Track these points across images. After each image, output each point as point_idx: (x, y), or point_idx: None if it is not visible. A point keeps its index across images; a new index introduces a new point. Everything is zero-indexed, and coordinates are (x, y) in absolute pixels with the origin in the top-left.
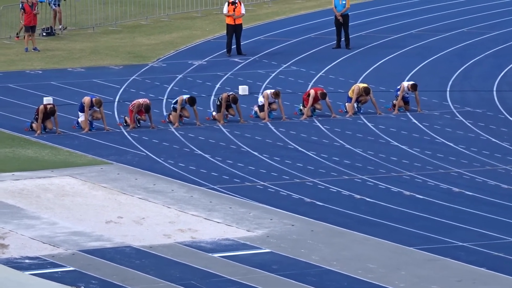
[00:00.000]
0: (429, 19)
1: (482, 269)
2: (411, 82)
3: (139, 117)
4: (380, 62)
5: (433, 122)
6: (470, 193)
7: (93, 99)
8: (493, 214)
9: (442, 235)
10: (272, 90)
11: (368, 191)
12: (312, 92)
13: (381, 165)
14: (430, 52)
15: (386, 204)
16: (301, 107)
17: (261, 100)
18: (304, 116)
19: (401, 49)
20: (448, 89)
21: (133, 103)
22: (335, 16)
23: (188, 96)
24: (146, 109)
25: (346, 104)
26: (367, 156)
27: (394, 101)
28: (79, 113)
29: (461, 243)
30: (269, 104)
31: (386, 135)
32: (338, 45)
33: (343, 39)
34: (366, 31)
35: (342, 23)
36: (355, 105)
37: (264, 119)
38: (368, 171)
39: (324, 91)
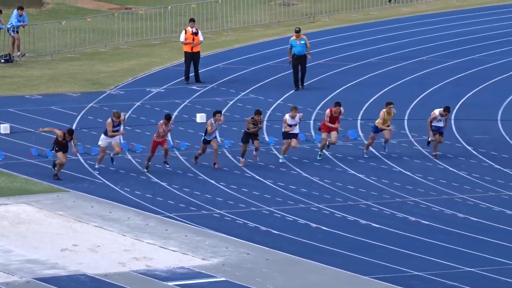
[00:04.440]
0: (388, 48)
1: None
2: (443, 108)
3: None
4: (338, 90)
5: (391, 151)
6: (426, 222)
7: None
8: (448, 243)
9: (397, 264)
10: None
11: (325, 219)
12: (327, 112)
13: (338, 194)
14: (388, 80)
15: (342, 233)
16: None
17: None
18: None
19: (360, 77)
20: (406, 118)
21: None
22: (292, 57)
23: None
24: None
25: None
26: (324, 184)
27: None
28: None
29: (416, 272)
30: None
31: (343, 163)
32: (297, 86)
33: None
34: (325, 59)
35: (300, 63)
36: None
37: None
38: (325, 199)
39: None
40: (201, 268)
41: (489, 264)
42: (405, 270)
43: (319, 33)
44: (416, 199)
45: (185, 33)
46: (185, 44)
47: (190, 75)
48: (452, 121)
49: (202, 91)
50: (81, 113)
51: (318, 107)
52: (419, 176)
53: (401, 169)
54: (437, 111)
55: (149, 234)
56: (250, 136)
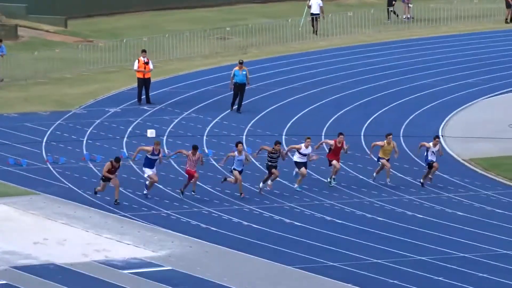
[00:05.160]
0: (309, 75)
1: (348, 285)
2: (433, 141)
3: None
4: (266, 111)
5: (309, 162)
6: (340, 221)
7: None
8: (359, 239)
9: (316, 256)
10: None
11: (254, 218)
12: (332, 142)
13: (265, 197)
14: (309, 102)
15: (269, 230)
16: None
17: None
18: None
19: (285, 99)
20: (323, 133)
21: None
22: (234, 85)
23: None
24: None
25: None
26: (253, 189)
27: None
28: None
29: (331, 263)
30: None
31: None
32: (232, 108)
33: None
34: (257, 84)
35: (240, 91)
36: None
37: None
38: (255, 202)
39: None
40: (151, 259)
41: (393, 256)
42: (322, 261)
43: (250, 63)
44: (331, 202)
45: (138, 62)
46: (138, 71)
47: (142, 97)
48: (362, 137)
49: (152, 110)
50: (50, 129)
51: (249, 125)
52: (334, 183)
53: (318, 177)
54: (426, 144)
55: (107, 230)
56: (271, 167)
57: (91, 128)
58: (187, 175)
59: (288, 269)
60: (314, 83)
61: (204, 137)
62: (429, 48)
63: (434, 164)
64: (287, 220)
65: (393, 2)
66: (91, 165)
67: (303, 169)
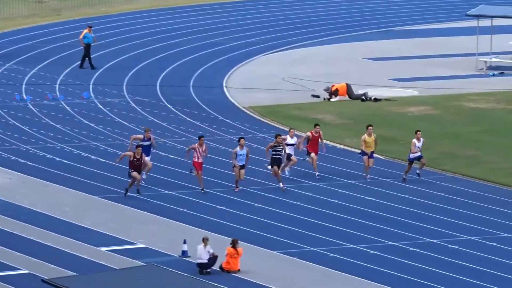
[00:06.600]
0: (114, 34)
1: (145, 212)
2: (416, 135)
3: None
4: (73, 66)
5: (114, 107)
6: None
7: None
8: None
9: (119, 188)
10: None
11: (64, 155)
12: (308, 134)
13: (75, 137)
14: (112, 57)
15: (78, 165)
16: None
17: None
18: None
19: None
20: (124, 84)
21: None
22: (86, 45)
23: None
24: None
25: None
26: (66, 130)
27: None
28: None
29: (132, 194)
30: None
31: (80, 116)
32: (82, 66)
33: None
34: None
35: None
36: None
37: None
38: (66, 141)
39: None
40: None
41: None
42: (118, 190)
43: (60, 23)
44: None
45: None
46: None
47: None
48: (158, 87)
49: None
50: None
51: (61, 76)
52: (134, 126)
53: (120, 120)
54: (413, 140)
55: None
56: (276, 161)
57: None
58: (194, 167)
59: (95, 199)
60: (118, 41)
61: (23, 86)
62: (219, 12)
63: (422, 160)
64: (93, 157)
65: None
66: None
67: (293, 157)
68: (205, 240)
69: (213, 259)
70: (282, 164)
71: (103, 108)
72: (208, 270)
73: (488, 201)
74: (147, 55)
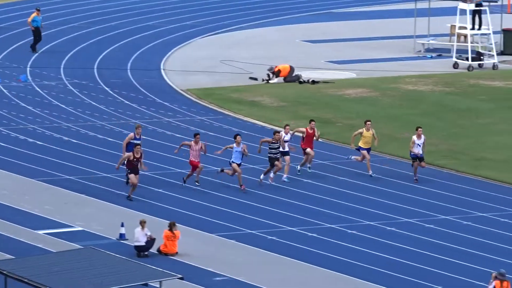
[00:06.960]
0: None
1: (83, 195)
2: (417, 131)
3: None
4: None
5: (51, 90)
6: (75, 141)
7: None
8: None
9: (56, 171)
10: None
11: (1, 138)
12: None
13: (13, 120)
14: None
15: (16, 148)
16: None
17: None
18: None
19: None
20: (62, 66)
21: None
22: (36, 28)
23: None
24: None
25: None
26: (3, 113)
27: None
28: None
29: (67, 176)
30: None
31: (18, 99)
32: (35, 49)
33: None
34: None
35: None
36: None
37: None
38: (3, 124)
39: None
40: None
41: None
42: (60, 175)
43: None
44: (68, 125)
45: None
46: None
47: None
48: (95, 70)
49: None
50: None
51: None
52: (71, 108)
53: (58, 103)
54: (413, 137)
55: None
56: (273, 159)
57: None
58: (190, 166)
59: (31, 181)
60: (54, 24)
61: None
62: None
63: (422, 163)
64: (30, 140)
65: None
66: None
67: (287, 157)
68: (142, 223)
69: (150, 241)
70: (267, 168)
71: (40, 91)
72: (146, 252)
73: (425, 183)
74: (84, 38)
